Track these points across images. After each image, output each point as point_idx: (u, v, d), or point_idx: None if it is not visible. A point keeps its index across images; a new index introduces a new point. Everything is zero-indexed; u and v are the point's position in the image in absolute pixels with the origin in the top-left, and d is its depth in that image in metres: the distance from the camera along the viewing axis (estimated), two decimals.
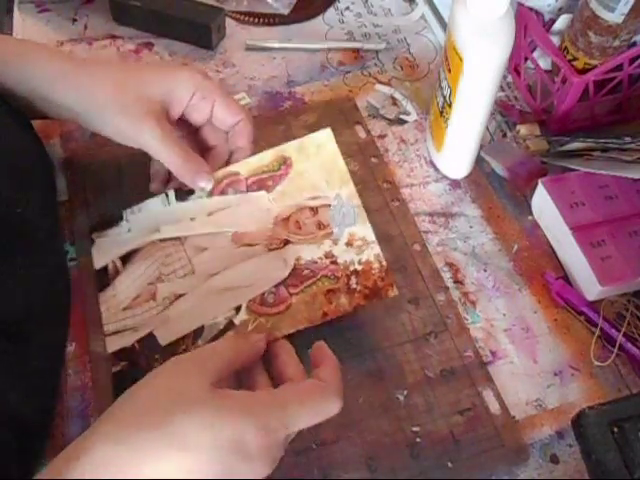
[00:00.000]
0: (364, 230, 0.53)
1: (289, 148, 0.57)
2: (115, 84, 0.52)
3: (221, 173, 0.57)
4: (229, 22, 0.75)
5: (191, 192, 0.56)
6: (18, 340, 0.46)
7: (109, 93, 0.52)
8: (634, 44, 0.62)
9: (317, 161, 0.56)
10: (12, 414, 0.44)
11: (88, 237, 0.57)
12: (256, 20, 0.76)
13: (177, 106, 0.54)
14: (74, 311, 0.54)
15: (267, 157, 0.57)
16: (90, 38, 0.73)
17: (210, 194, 0.56)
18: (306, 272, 0.52)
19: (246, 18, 0.76)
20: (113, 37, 0.74)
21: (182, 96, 0.54)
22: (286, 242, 0.54)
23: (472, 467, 0.49)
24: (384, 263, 0.52)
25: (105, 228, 0.56)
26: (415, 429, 0.50)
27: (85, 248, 0.57)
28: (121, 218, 0.57)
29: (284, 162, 0.57)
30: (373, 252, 0.52)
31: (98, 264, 0.55)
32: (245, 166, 0.57)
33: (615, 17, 0.58)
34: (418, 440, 0.49)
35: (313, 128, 0.65)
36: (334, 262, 0.52)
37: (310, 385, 0.41)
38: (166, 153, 0.53)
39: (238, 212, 0.56)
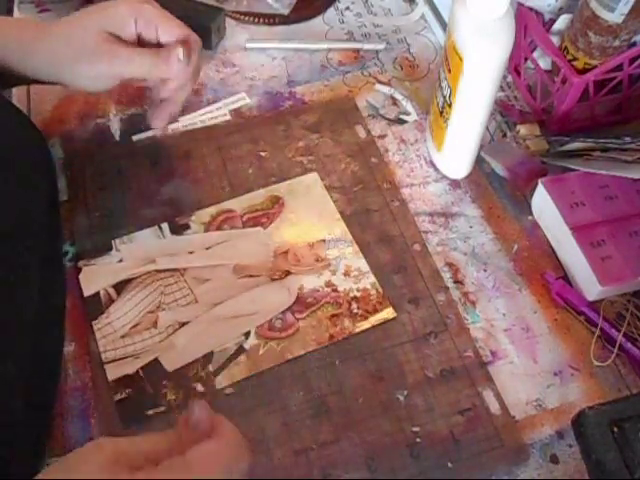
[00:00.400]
0: (358, 262, 0.57)
1: (280, 189, 0.61)
2: (65, 40, 0.55)
3: (215, 210, 0.59)
4: (229, 22, 0.75)
5: (186, 227, 0.58)
6: (16, 341, 0.46)
7: (62, 50, 0.55)
8: (634, 44, 0.62)
9: (308, 202, 0.60)
10: (12, 415, 0.44)
11: (88, 237, 0.58)
12: (256, 20, 0.76)
13: (128, 36, 0.56)
14: (74, 311, 0.54)
15: (260, 196, 0.60)
16: None
17: (206, 229, 0.58)
18: (309, 299, 0.55)
19: (246, 18, 0.76)
20: None
21: (126, 26, 0.56)
22: (287, 273, 0.56)
23: (472, 467, 0.49)
24: (380, 290, 0.55)
25: (93, 257, 0.56)
26: (415, 429, 0.50)
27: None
28: (110, 247, 0.57)
29: (277, 201, 0.60)
30: (369, 281, 0.56)
31: (87, 292, 0.55)
32: (239, 203, 0.60)
33: (615, 17, 0.58)
34: (418, 440, 0.49)
35: (313, 128, 0.66)
36: (335, 290, 0.55)
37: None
38: (135, 62, 0.55)
39: (237, 246, 0.58)
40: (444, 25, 0.74)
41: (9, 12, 0.73)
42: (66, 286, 0.55)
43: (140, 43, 0.57)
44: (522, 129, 0.66)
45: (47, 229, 0.54)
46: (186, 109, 0.67)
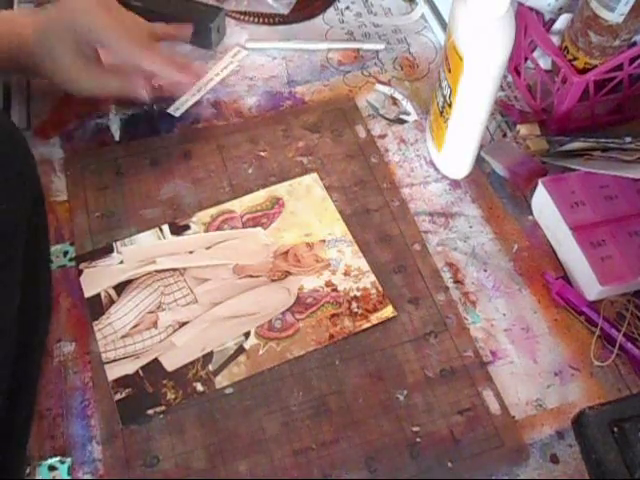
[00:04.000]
0: (358, 262, 0.57)
1: (280, 189, 0.61)
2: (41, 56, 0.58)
3: (215, 210, 0.59)
4: (229, 22, 0.75)
5: (186, 227, 0.58)
6: None
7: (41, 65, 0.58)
8: (634, 44, 0.62)
9: (307, 202, 0.60)
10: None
11: (88, 238, 0.58)
12: (256, 20, 0.76)
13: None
14: (75, 312, 0.54)
15: (260, 197, 0.61)
16: None
17: (206, 230, 0.58)
18: (309, 300, 0.55)
19: (246, 18, 0.76)
20: None
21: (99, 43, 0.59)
22: (287, 273, 0.56)
23: (472, 467, 0.49)
24: (380, 289, 0.55)
25: (94, 259, 0.56)
26: (415, 429, 0.50)
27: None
28: (111, 250, 0.57)
29: (277, 202, 0.60)
30: (369, 280, 0.56)
31: (88, 293, 0.55)
32: (239, 204, 0.60)
33: (615, 17, 0.58)
34: (418, 440, 0.49)
35: (313, 128, 0.66)
36: (335, 290, 0.56)
37: None
38: (106, 88, 0.61)
39: (237, 246, 0.58)
40: (444, 25, 0.74)
41: None
42: (51, 285, 0.54)
43: None
44: (522, 129, 0.66)
45: (31, 231, 0.51)
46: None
